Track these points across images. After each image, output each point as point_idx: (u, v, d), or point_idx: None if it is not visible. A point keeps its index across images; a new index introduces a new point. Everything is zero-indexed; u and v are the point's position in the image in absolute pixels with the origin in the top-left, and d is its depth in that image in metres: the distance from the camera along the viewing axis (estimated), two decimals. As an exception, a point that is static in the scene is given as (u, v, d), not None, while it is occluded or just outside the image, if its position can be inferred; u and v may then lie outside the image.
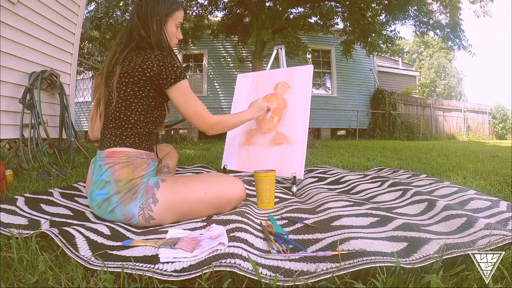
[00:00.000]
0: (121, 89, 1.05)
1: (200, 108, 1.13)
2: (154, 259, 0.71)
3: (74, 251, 0.74)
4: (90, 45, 7.43)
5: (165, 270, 0.65)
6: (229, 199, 1.12)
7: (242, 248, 0.74)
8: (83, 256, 0.73)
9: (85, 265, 0.69)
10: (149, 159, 1.08)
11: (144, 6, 1.10)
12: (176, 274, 0.64)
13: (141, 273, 0.64)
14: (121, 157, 1.02)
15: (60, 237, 0.79)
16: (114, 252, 0.77)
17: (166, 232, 0.93)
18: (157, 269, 0.66)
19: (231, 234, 0.84)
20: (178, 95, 1.08)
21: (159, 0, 1.11)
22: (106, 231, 0.92)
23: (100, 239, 0.85)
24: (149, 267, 0.67)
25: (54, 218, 1.04)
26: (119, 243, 0.84)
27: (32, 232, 0.83)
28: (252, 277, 0.63)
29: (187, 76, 1.12)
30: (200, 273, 0.63)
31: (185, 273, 0.64)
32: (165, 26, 1.13)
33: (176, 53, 1.27)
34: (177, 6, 1.15)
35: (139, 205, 1.00)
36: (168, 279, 0.63)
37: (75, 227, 0.89)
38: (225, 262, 0.66)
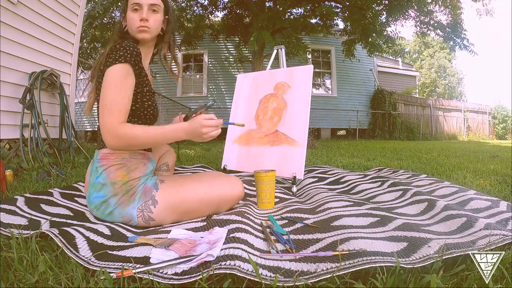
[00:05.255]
0: (98, 88, 1.04)
1: (115, 105, 0.92)
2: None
3: (74, 251, 0.74)
4: (86, 44, 7.43)
5: (166, 273, 0.65)
6: (228, 198, 1.13)
7: (242, 249, 0.74)
8: (83, 256, 0.73)
9: (85, 265, 0.69)
10: (145, 159, 1.06)
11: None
12: (177, 277, 0.64)
13: (141, 276, 0.64)
14: (116, 159, 1.00)
15: (60, 237, 0.79)
16: (114, 252, 0.77)
17: (166, 231, 0.93)
18: (158, 271, 0.66)
19: (231, 235, 0.84)
20: (104, 79, 0.95)
21: None
22: (106, 231, 0.92)
23: (100, 239, 0.85)
24: (150, 269, 0.67)
25: (54, 218, 1.04)
26: (119, 243, 0.84)
27: (32, 232, 0.83)
28: (252, 278, 0.63)
29: (130, 62, 0.96)
30: (201, 276, 0.63)
31: (186, 277, 0.64)
32: (126, 15, 1.09)
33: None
34: None
35: (138, 207, 1.00)
36: (169, 282, 0.63)
37: (75, 227, 0.89)
38: (225, 264, 0.66)
